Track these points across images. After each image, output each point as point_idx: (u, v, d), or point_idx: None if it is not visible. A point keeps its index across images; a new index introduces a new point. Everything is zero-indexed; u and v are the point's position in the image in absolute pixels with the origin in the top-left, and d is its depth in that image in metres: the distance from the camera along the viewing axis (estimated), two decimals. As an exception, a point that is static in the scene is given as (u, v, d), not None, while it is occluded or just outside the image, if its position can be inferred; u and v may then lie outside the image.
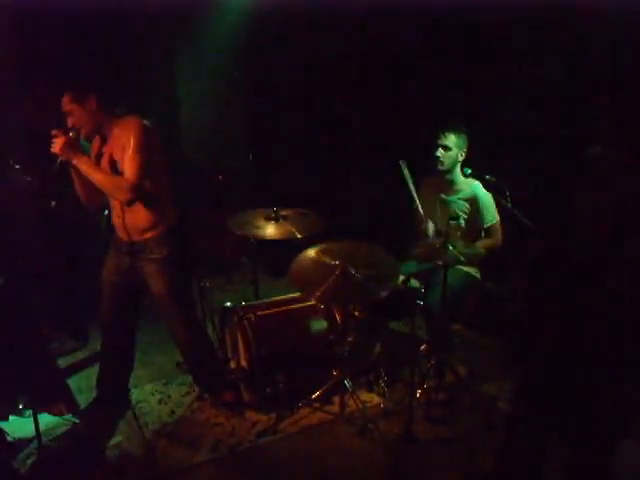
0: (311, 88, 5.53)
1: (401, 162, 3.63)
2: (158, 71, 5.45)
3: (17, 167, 3.71)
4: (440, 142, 3.60)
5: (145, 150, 2.91)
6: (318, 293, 3.01)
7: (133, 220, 3.05)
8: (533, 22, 3.79)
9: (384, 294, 3.01)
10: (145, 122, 2.96)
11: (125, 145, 2.92)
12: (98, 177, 2.93)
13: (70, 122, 2.96)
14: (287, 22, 5.19)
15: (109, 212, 3.24)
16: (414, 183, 3.69)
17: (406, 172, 3.63)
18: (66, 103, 2.95)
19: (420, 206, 3.71)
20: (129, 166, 2.89)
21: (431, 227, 3.73)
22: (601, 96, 2.30)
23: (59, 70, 4.18)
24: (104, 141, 3.06)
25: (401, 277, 3.37)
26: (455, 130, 3.60)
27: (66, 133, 2.93)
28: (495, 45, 4.09)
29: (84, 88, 2.97)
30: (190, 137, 5.65)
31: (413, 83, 4.75)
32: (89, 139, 3.11)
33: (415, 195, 3.70)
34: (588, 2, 3.28)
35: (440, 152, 3.60)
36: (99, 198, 3.15)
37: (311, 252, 3.21)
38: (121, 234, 3.13)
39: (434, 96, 4.57)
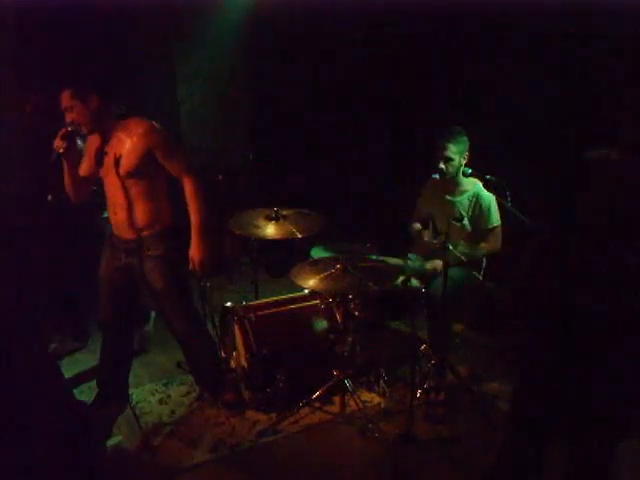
0: (311, 88, 5.53)
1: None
2: (159, 72, 5.45)
3: (49, 198, 3.68)
4: (441, 154, 3.56)
5: (172, 144, 3.09)
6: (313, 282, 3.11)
7: (131, 217, 3.06)
8: (533, 22, 3.79)
9: (380, 288, 3.10)
10: (153, 123, 3.01)
11: (134, 148, 2.95)
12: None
13: (69, 117, 2.95)
14: (287, 23, 5.19)
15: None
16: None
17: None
18: (66, 99, 2.94)
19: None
20: (176, 166, 3.05)
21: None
22: (629, 95, 2.28)
23: (59, 70, 4.17)
24: (106, 140, 3.05)
25: (401, 277, 3.37)
26: (453, 138, 3.54)
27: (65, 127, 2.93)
28: (495, 45, 4.09)
29: (86, 85, 2.96)
30: (190, 137, 5.65)
31: (414, 85, 4.74)
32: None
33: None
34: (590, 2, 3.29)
35: (443, 165, 3.57)
36: (85, 191, 3.19)
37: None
38: (118, 231, 3.15)
39: (434, 97, 4.57)
